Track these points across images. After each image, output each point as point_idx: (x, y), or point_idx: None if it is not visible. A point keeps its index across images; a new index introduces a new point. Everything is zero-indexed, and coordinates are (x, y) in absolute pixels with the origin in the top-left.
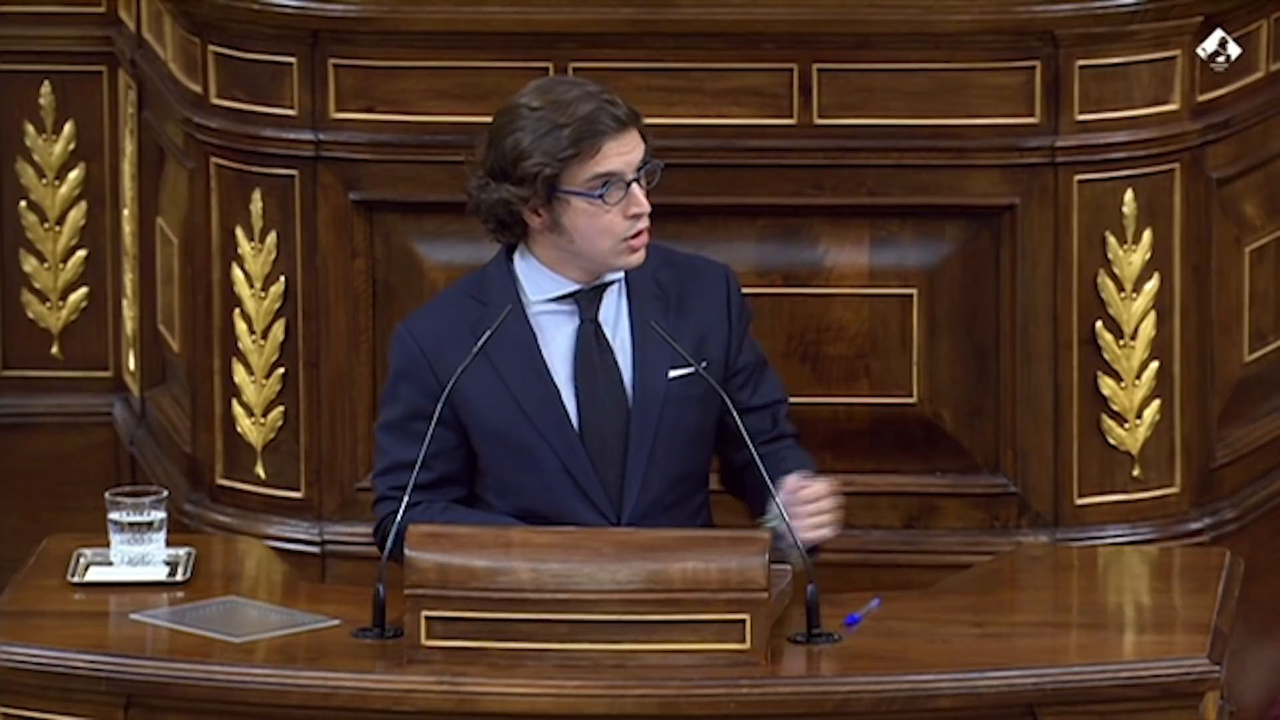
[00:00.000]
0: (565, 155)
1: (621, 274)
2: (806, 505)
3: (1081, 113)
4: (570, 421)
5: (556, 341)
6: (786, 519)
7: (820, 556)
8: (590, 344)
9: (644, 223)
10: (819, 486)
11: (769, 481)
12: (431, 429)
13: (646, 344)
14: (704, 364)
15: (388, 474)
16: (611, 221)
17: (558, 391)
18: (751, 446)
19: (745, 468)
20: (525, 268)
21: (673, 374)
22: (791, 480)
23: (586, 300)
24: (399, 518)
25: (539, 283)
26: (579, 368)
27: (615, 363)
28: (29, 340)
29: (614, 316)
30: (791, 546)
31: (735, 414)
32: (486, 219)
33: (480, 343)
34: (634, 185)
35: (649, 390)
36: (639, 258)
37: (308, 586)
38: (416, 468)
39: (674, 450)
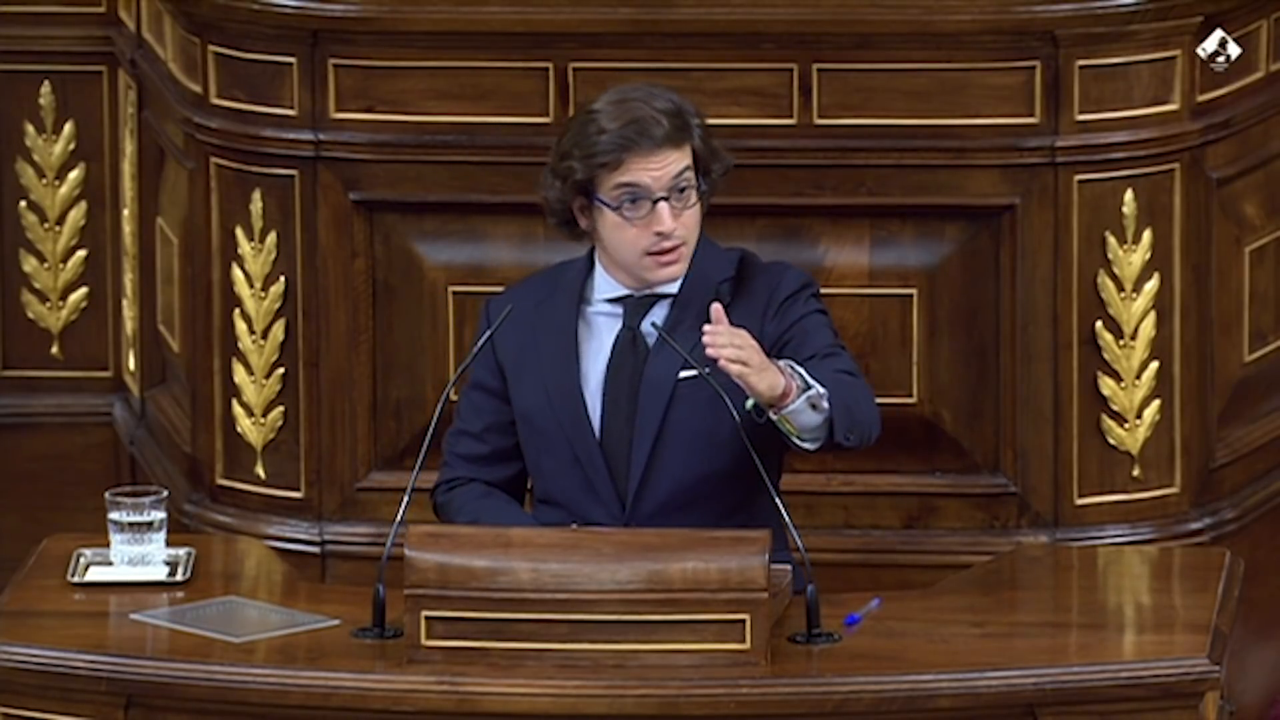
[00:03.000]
0: (596, 162)
1: (676, 286)
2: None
3: (1081, 113)
4: (589, 417)
5: (601, 341)
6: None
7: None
8: (625, 349)
9: (670, 241)
10: (733, 333)
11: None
12: (439, 408)
13: (664, 346)
14: (707, 370)
15: (450, 437)
16: (636, 235)
17: (583, 386)
18: (753, 452)
19: None
20: (598, 266)
21: (682, 374)
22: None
23: (632, 307)
24: (434, 489)
25: (600, 283)
26: (610, 370)
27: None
28: (29, 340)
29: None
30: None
31: (737, 416)
32: (550, 214)
33: (481, 341)
34: (661, 204)
35: (655, 390)
36: (671, 273)
37: (308, 586)
38: (427, 438)
39: (685, 450)
